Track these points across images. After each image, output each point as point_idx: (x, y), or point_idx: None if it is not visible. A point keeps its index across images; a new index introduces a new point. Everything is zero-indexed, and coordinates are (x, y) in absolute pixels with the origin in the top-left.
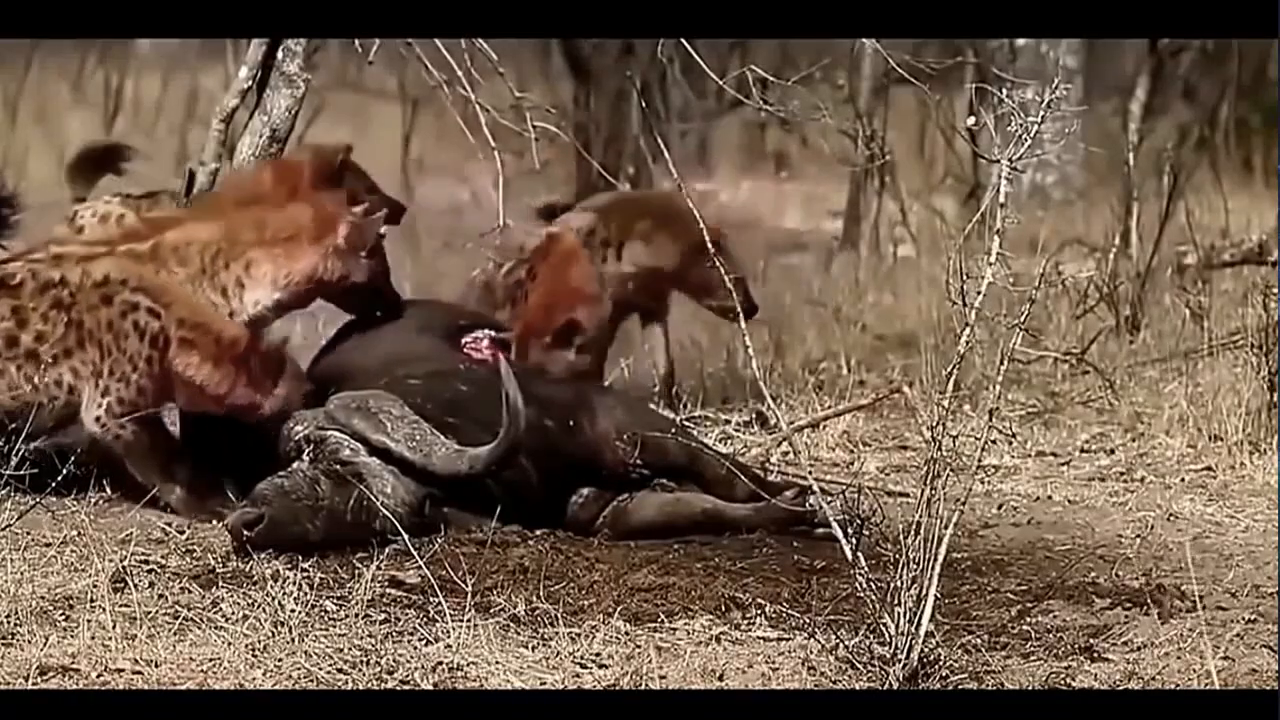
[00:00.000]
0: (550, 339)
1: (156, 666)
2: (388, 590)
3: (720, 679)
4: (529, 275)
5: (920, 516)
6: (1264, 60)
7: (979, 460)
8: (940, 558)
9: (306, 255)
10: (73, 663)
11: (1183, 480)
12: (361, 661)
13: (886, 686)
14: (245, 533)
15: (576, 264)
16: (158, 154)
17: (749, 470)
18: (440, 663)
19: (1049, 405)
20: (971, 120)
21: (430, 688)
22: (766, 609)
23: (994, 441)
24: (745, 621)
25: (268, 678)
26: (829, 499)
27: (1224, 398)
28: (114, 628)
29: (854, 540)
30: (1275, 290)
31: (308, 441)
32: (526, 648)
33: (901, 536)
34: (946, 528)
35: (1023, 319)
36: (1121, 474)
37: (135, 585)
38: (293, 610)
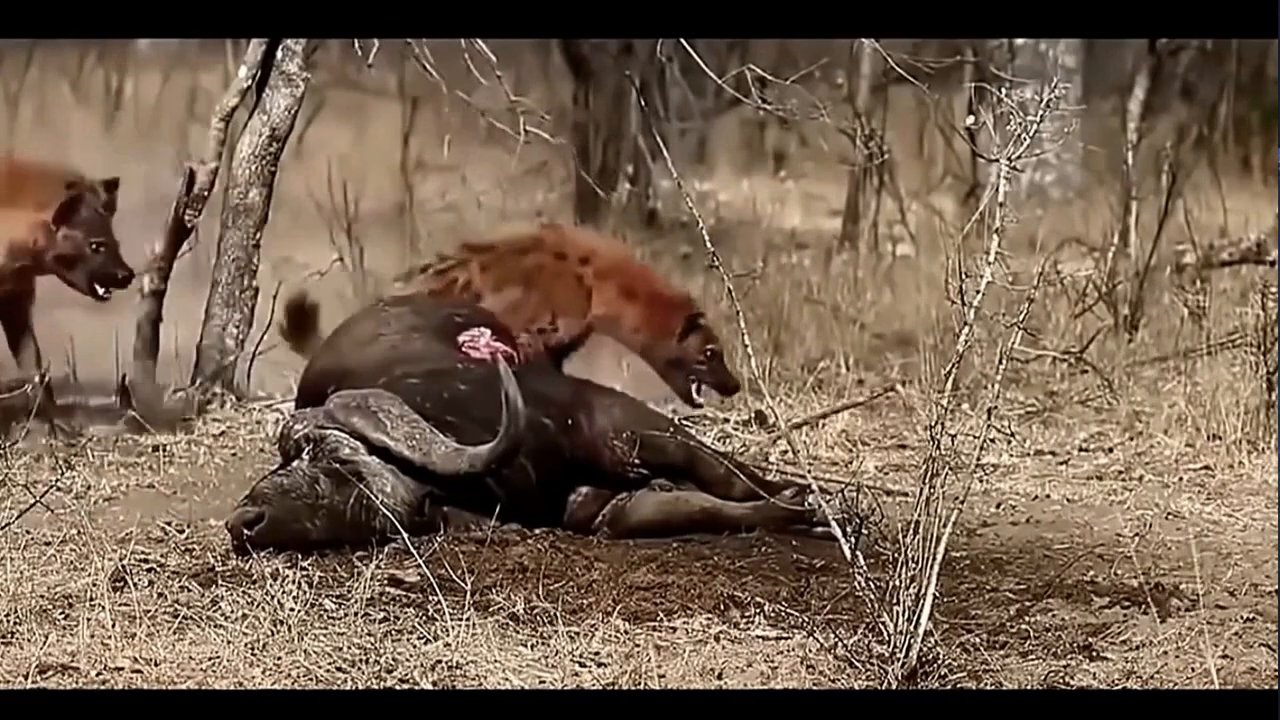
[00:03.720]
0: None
1: (156, 665)
2: (387, 589)
3: (719, 678)
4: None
5: (919, 515)
6: (1263, 60)
7: (977, 459)
8: (939, 556)
9: (20, 225)
10: (72, 661)
11: (1181, 479)
12: (361, 660)
13: (885, 685)
14: (245, 531)
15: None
16: (158, 154)
17: (748, 469)
18: (439, 661)
19: (1048, 404)
20: (970, 119)
21: (429, 686)
22: (765, 608)
23: (993, 440)
24: (744, 620)
25: (267, 676)
26: (828, 498)
27: (1222, 397)
28: (113, 626)
29: (853, 539)
30: (1274, 290)
31: (307, 440)
32: (525, 646)
33: (900, 535)
34: (945, 526)
35: (1021, 318)
36: (1120, 473)
37: (135, 584)
38: (292, 609)
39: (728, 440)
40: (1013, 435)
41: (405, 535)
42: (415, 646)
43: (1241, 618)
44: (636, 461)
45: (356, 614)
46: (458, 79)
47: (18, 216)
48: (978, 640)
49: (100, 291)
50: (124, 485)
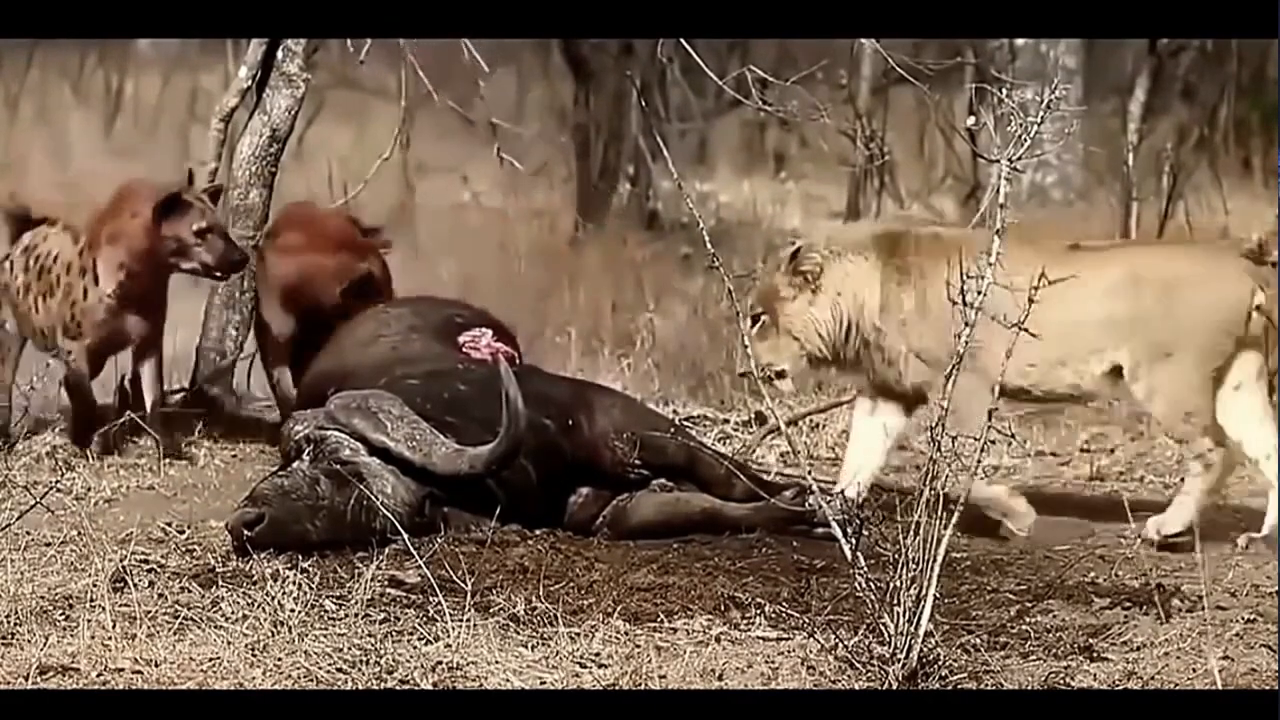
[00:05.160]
0: None
1: (156, 666)
2: (387, 590)
3: (720, 679)
4: None
5: (919, 516)
6: (1263, 60)
7: (978, 460)
8: (939, 557)
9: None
10: (73, 662)
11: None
12: (361, 661)
13: (886, 686)
14: (245, 532)
15: None
16: (158, 154)
17: (748, 470)
18: (440, 662)
19: (1048, 405)
20: (971, 120)
21: (430, 687)
22: (766, 609)
23: (994, 442)
24: (745, 621)
25: (267, 677)
26: (828, 498)
27: None
28: (114, 627)
29: (853, 540)
30: (1274, 289)
31: (308, 441)
32: (526, 647)
33: (901, 536)
34: (946, 527)
35: (1022, 319)
36: (1121, 474)
37: (135, 585)
38: (292, 610)
39: (729, 441)
40: (1014, 436)
41: (406, 536)
42: (416, 647)
43: (1242, 618)
44: (637, 462)
45: (357, 615)
46: (458, 80)
47: (126, 225)
48: (978, 641)
49: (218, 275)
50: (124, 486)
